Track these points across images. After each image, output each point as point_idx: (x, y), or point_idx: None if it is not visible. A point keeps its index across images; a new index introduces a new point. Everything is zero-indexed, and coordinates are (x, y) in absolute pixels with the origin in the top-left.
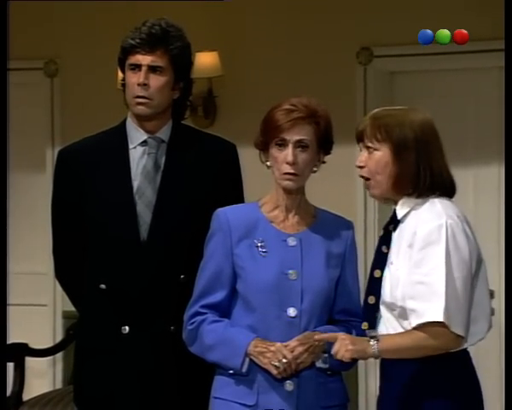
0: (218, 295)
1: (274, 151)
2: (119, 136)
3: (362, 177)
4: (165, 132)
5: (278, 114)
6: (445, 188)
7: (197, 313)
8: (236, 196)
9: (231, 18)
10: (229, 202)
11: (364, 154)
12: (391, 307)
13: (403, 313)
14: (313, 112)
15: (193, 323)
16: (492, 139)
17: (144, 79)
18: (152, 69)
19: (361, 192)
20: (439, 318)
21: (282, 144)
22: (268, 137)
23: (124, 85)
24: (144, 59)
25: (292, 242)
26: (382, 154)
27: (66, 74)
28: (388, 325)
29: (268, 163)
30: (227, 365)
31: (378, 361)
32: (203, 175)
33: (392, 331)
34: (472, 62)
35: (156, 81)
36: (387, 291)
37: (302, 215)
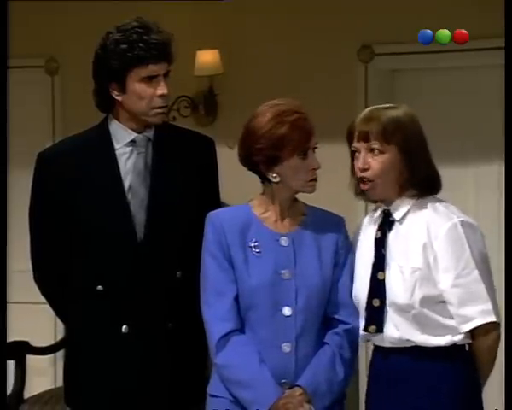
0: (231, 296)
1: (295, 162)
2: (102, 136)
3: (362, 180)
4: (150, 131)
5: (297, 129)
6: (436, 185)
7: (225, 320)
8: (216, 189)
9: (232, 16)
10: (211, 195)
11: (367, 155)
12: (405, 310)
13: (419, 316)
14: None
15: (224, 335)
16: (493, 137)
17: (166, 89)
18: (165, 76)
19: None
20: (492, 318)
21: (305, 154)
22: (286, 152)
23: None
24: (160, 69)
25: (284, 242)
26: (389, 156)
27: (67, 72)
28: (401, 328)
29: (277, 178)
30: (245, 405)
31: None
32: (190, 170)
33: (404, 334)
34: (474, 60)
35: (168, 87)
36: (400, 293)
37: (293, 215)
